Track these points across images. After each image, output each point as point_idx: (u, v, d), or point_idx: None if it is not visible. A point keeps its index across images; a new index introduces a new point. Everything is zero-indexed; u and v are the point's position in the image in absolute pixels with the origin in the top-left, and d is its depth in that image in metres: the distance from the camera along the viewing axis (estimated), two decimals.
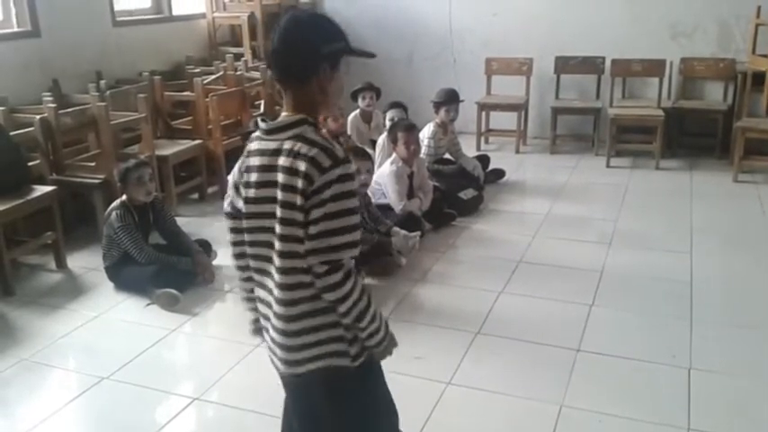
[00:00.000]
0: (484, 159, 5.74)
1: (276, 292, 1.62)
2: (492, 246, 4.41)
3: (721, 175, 5.62)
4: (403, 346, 3.23)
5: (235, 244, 1.78)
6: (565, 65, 6.55)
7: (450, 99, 5.26)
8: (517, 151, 6.55)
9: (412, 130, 4.59)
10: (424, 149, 5.21)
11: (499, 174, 5.72)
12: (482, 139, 6.70)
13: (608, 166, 6.00)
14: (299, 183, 1.51)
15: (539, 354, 3.10)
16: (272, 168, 1.57)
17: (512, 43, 6.75)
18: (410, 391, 2.83)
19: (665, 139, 5.98)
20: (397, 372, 2.97)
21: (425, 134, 5.26)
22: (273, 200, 1.57)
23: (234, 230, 1.76)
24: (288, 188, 1.53)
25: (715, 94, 6.29)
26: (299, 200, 1.52)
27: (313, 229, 1.52)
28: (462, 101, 5.35)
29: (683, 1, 6.23)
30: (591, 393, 2.82)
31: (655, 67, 6.17)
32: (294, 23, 1.59)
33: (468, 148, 5.97)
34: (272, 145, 1.59)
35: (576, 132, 6.71)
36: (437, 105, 5.29)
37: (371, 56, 1.66)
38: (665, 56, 6.18)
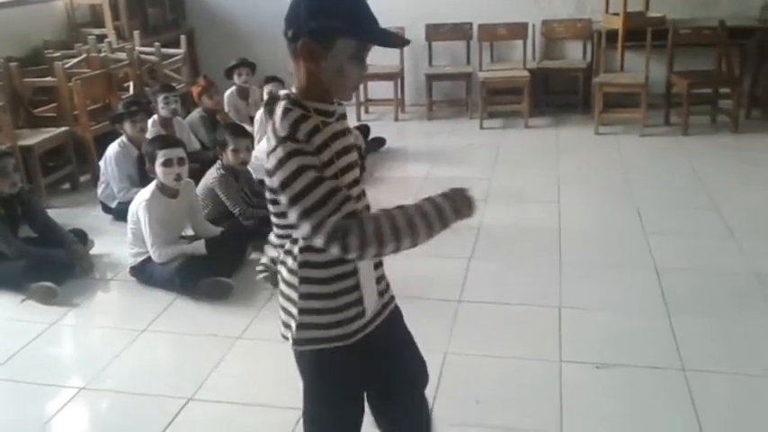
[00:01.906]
0: (364, 129, 5.83)
1: None
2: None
3: (584, 129, 6.00)
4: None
5: None
6: (436, 32, 6.73)
7: None
8: (396, 119, 6.69)
9: None
10: None
11: (380, 142, 5.83)
12: (362, 109, 6.79)
13: (481, 127, 6.25)
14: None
15: (423, 308, 3.23)
16: None
17: (384, 13, 6.75)
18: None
19: (532, 98, 6.30)
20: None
21: None
22: None
23: None
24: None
25: (575, 54, 6.67)
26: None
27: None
28: None
29: None
30: (473, 339, 3.00)
31: (518, 31, 6.46)
32: None
33: (349, 119, 6.01)
34: None
35: (451, 97, 6.92)
36: None
37: (401, 43, 1.63)
38: (527, 19, 6.48)
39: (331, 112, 1.58)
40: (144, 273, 3.58)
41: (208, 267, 3.50)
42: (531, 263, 3.66)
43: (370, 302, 1.69)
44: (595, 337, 2.97)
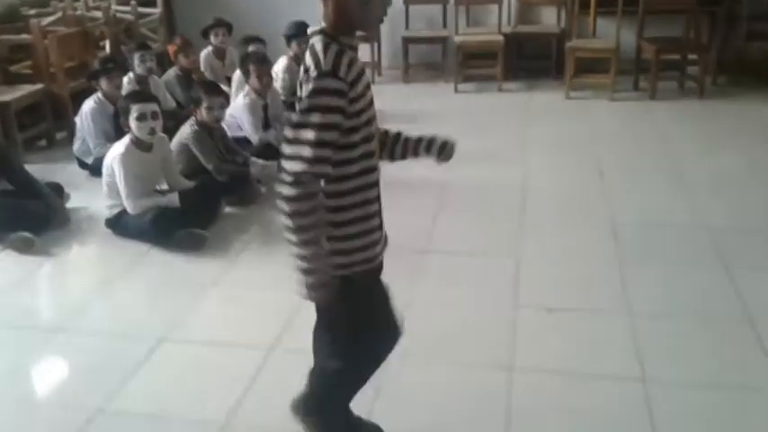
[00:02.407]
0: None
1: None
2: None
3: (555, 94, 6.12)
4: (266, 264, 3.43)
5: None
6: None
7: (300, 31, 5.34)
8: (373, 82, 6.75)
9: (263, 62, 4.67)
10: (279, 83, 5.30)
11: None
12: None
13: (456, 91, 6.35)
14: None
15: (390, 259, 3.39)
16: None
17: None
18: (274, 302, 3.02)
19: (507, 63, 6.39)
20: (263, 287, 3.20)
21: (279, 68, 5.34)
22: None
23: None
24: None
25: (549, 19, 6.76)
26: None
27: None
28: None
29: None
30: (436, 287, 3.15)
31: None
32: None
33: None
34: None
35: (427, 61, 7.00)
36: (288, 38, 5.37)
37: None
38: None
39: (356, 47, 1.68)
40: (119, 224, 3.68)
41: (182, 220, 3.60)
42: (495, 217, 3.82)
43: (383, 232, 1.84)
44: (550, 285, 3.13)
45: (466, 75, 6.54)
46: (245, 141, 4.54)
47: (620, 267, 3.22)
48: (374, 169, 1.76)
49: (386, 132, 1.96)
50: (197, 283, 3.24)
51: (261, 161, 4.23)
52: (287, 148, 1.60)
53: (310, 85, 1.57)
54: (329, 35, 1.63)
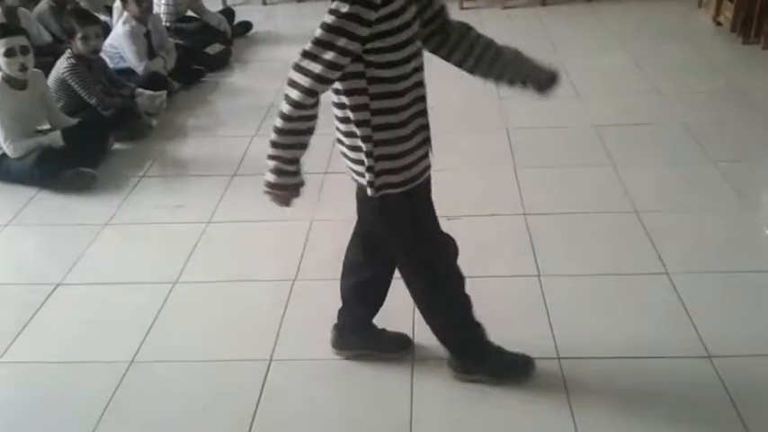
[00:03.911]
0: (229, 13, 5.67)
1: None
2: (243, 96, 4.51)
3: (450, 4, 6.04)
4: (162, 197, 3.35)
5: None
6: None
7: None
8: (264, 3, 6.51)
9: None
10: (162, 8, 5.04)
11: (246, 26, 5.69)
12: None
13: None
14: None
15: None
16: None
17: None
18: (174, 235, 2.99)
19: None
20: (160, 222, 3.13)
21: None
22: None
23: None
24: None
25: None
26: None
27: None
28: None
29: None
30: (336, 207, 3.15)
31: None
32: None
33: (213, 3, 5.83)
34: None
35: None
36: None
37: None
38: None
39: None
40: (0, 170, 3.46)
41: (68, 159, 3.43)
42: None
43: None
44: (449, 193, 3.18)
45: None
46: (129, 72, 4.31)
47: (514, 170, 3.33)
48: (422, 83, 1.78)
49: (468, 29, 1.94)
50: (91, 223, 3.12)
51: (148, 92, 4.04)
52: (302, 60, 1.60)
53: (334, 4, 1.55)
54: None
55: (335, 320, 2.24)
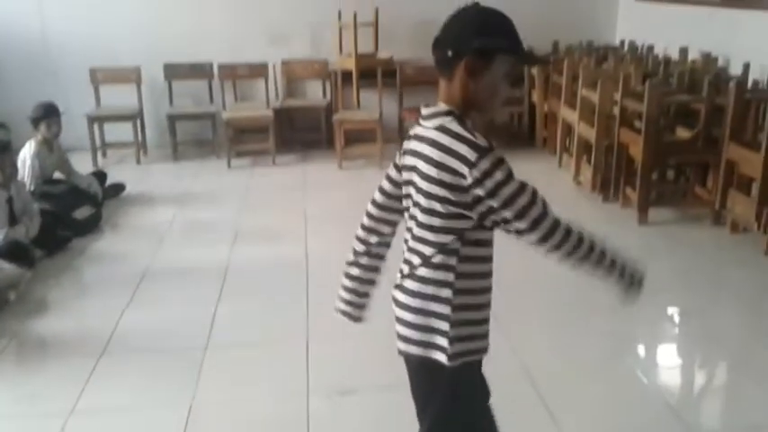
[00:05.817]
0: (100, 175, 5.47)
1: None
2: (114, 262, 4.23)
3: (329, 164, 6.22)
4: (15, 387, 2.96)
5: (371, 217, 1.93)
6: (175, 72, 6.55)
7: (48, 113, 4.91)
8: (138, 162, 6.37)
9: (3, 150, 4.14)
10: (27, 171, 4.78)
11: (118, 188, 5.49)
12: (98, 153, 6.35)
13: (229, 167, 6.20)
14: (446, 177, 1.54)
15: (167, 360, 3.10)
16: (417, 155, 1.61)
17: (118, 51, 6.49)
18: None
19: (279, 137, 6.40)
20: (7, 415, 2.73)
21: (27, 154, 4.82)
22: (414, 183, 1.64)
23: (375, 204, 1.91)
24: (427, 178, 1.58)
25: (315, 93, 6.92)
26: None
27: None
28: (63, 112, 5.02)
29: (277, 8, 6.68)
30: (220, 385, 2.91)
31: (259, 70, 6.56)
32: (458, 13, 1.58)
33: (83, 165, 5.62)
34: (424, 132, 1.61)
35: (197, 138, 6.76)
36: (35, 121, 4.90)
37: (538, 62, 1.63)
38: (267, 59, 6.60)
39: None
40: None
41: None
42: (278, 300, 3.68)
43: None
44: (341, 366, 3.05)
45: (238, 150, 6.43)
46: None
47: None
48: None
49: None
50: None
51: (8, 266, 3.68)
52: (534, 231, 1.55)
53: (485, 166, 1.51)
54: (458, 115, 1.58)
55: None
